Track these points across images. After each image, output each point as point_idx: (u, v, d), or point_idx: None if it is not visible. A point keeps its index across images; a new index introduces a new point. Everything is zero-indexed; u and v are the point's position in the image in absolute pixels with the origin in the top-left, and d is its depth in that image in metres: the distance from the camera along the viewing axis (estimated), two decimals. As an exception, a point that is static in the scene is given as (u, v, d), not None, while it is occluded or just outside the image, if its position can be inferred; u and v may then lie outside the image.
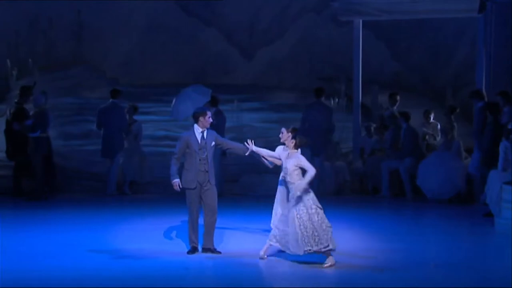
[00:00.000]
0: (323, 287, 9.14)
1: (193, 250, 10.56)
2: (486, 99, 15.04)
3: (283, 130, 10.31)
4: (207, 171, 10.46)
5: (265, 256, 10.25)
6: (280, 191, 10.74)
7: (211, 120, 10.52)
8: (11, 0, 20.21)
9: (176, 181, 10.46)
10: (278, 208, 10.69)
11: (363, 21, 17.56)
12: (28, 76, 19.60)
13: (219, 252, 10.53)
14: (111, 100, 16.73)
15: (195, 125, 10.51)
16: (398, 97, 17.05)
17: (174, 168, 10.51)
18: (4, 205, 15.27)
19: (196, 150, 10.42)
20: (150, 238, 11.71)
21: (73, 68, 20.87)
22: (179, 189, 10.47)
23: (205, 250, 10.56)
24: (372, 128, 17.45)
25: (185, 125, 16.82)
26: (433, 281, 9.33)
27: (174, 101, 14.05)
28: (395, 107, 16.99)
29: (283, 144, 10.35)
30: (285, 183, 10.29)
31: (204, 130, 10.49)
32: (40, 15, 20.85)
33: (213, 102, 15.85)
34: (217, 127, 16.20)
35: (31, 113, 16.11)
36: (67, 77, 20.55)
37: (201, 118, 10.49)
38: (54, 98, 18.61)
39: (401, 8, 17.18)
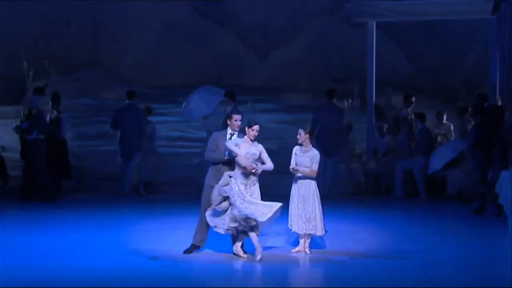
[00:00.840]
0: (339, 287, 9.22)
1: (190, 248, 10.59)
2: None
3: (301, 131, 10.48)
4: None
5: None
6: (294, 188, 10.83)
7: (238, 123, 10.46)
8: (28, 1, 20.42)
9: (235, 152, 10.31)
10: (293, 207, 10.78)
11: (376, 23, 17.61)
12: (44, 77, 19.75)
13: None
14: (127, 101, 16.87)
15: (228, 127, 10.61)
16: (413, 99, 17.12)
17: (216, 154, 10.47)
18: (19, 204, 15.45)
19: (221, 151, 10.53)
20: (163, 238, 11.78)
21: (89, 70, 21.02)
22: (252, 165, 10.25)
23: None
24: (385, 129, 17.51)
25: (198, 125, 16.94)
26: (451, 282, 9.38)
27: (185, 102, 14.14)
28: (409, 109, 17.06)
29: (300, 145, 10.56)
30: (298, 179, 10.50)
31: (233, 133, 10.50)
32: (57, 16, 21.03)
33: (232, 98, 15.99)
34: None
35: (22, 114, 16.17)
36: (83, 79, 20.69)
37: (228, 121, 10.60)
38: (70, 99, 18.77)
39: (415, 9, 17.22)
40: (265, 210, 10.08)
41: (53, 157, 16.34)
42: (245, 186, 10.22)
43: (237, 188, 10.12)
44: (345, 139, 17.16)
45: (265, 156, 10.35)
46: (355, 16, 17.65)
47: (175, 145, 18.48)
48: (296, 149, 10.68)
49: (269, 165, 10.33)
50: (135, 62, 21.31)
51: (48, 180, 15.90)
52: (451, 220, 14.26)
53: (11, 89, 18.18)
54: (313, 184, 10.63)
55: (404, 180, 16.49)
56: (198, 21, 21.39)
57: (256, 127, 10.32)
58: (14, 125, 16.39)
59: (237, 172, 10.25)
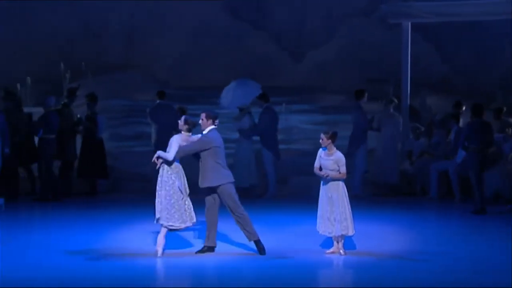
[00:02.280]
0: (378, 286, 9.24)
1: (203, 249, 10.68)
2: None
3: (322, 136, 10.54)
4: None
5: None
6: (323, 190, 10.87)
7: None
8: (65, 2, 20.65)
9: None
10: (321, 210, 10.79)
11: (411, 23, 17.56)
12: (80, 79, 19.96)
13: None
14: (158, 101, 17.01)
15: None
16: (463, 107, 16.77)
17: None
18: (49, 204, 15.63)
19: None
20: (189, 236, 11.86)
21: (124, 71, 21.19)
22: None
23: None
24: (420, 130, 17.46)
25: (231, 126, 17.02)
26: (477, 283, 9.36)
27: (224, 91, 14.19)
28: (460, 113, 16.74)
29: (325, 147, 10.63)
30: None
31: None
32: (93, 19, 21.24)
33: (265, 98, 16.07)
34: (269, 124, 16.38)
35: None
36: (118, 80, 20.88)
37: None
38: (106, 100, 18.96)
39: (450, 10, 17.14)
40: None
41: (90, 157, 16.52)
42: None
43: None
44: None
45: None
46: (390, 17, 17.61)
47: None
48: (320, 151, 10.69)
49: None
50: (169, 64, 21.44)
51: (57, 181, 16.08)
52: (484, 221, 14.17)
53: (48, 91, 18.38)
54: (341, 185, 10.62)
55: (439, 181, 16.43)
56: (232, 22, 21.48)
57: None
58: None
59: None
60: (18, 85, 19.37)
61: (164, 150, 10.62)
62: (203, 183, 10.57)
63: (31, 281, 9.20)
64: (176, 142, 10.44)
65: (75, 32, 21.18)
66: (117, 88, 20.51)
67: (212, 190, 10.61)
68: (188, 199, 10.47)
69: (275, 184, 16.43)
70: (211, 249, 10.71)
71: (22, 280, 9.27)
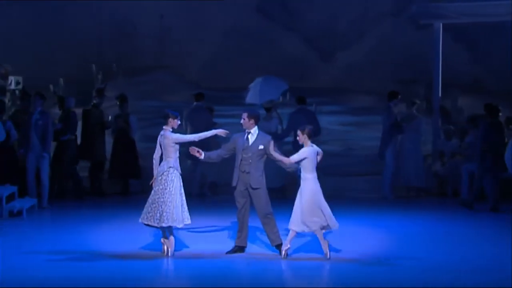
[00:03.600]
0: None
1: (234, 249, 10.72)
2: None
3: (298, 133, 10.57)
4: (248, 173, 10.61)
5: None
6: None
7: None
8: (96, 3, 20.78)
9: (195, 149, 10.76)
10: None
11: (442, 24, 17.47)
12: (112, 80, 20.10)
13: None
14: (195, 103, 17.07)
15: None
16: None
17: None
18: (83, 204, 15.76)
19: (239, 150, 10.67)
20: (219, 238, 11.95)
21: (155, 72, 21.30)
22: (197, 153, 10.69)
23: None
24: (451, 131, 17.38)
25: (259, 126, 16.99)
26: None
27: (250, 87, 14.12)
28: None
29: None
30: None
31: (249, 132, 10.64)
32: (124, 20, 21.37)
33: (301, 100, 16.10)
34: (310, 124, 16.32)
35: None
36: (150, 81, 20.99)
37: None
38: (137, 101, 19.07)
39: (482, 10, 17.06)
40: None
41: (122, 157, 16.64)
42: None
43: None
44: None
45: None
46: (421, 18, 17.56)
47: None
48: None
49: None
50: (200, 64, 21.50)
51: (80, 181, 16.19)
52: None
53: (81, 92, 18.54)
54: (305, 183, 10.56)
55: (470, 182, 16.32)
56: (262, 23, 21.49)
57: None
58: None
59: None
60: (51, 86, 19.55)
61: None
62: (255, 183, 10.57)
63: (58, 281, 9.31)
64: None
65: (106, 33, 21.32)
66: (148, 89, 20.63)
67: (246, 190, 10.61)
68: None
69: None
70: (241, 249, 10.74)
71: (56, 279, 9.39)
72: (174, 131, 10.81)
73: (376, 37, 21.20)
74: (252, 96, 15.90)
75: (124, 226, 13.12)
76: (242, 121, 10.73)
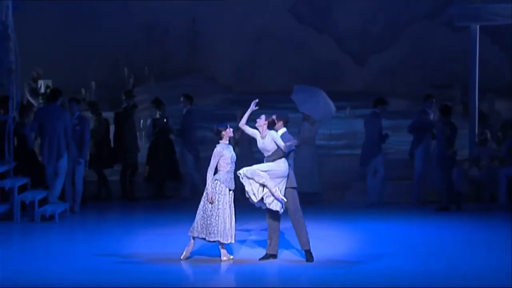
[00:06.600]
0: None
1: (265, 256, 10.66)
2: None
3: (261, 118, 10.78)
4: None
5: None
6: None
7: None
8: (128, 8, 20.81)
9: None
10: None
11: (479, 26, 17.19)
12: (144, 84, 20.08)
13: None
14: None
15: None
16: None
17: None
18: (112, 208, 15.69)
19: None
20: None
21: (187, 76, 21.25)
22: None
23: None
24: (489, 136, 17.09)
25: (293, 131, 16.85)
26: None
27: (306, 95, 14.00)
28: None
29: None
30: None
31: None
32: (156, 24, 21.36)
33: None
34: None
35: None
36: (182, 85, 20.92)
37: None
38: (169, 105, 18.96)
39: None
40: None
41: (162, 159, 16.55)
42: None
43: None
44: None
45: None
46: (457, 20, 17.25)
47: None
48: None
49: None
50: (232, 68, 21.43)
51: (105, 182, 16.16)
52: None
53: (113, 96, 18.53)
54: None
55: (508, 187, 16.06)
56: (295, 27, 21.39)
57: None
58: None
59: None
60: (83, 90, 19.56)
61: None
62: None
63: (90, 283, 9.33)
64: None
65: (138, 37, 21.32)
66: (180, 93, 20.54)
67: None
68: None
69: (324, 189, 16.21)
70: (273, 256, 10.60)
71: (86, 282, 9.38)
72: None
73: (410, 40, 21.01)
74: (311, 109, 15.74)
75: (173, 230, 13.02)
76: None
